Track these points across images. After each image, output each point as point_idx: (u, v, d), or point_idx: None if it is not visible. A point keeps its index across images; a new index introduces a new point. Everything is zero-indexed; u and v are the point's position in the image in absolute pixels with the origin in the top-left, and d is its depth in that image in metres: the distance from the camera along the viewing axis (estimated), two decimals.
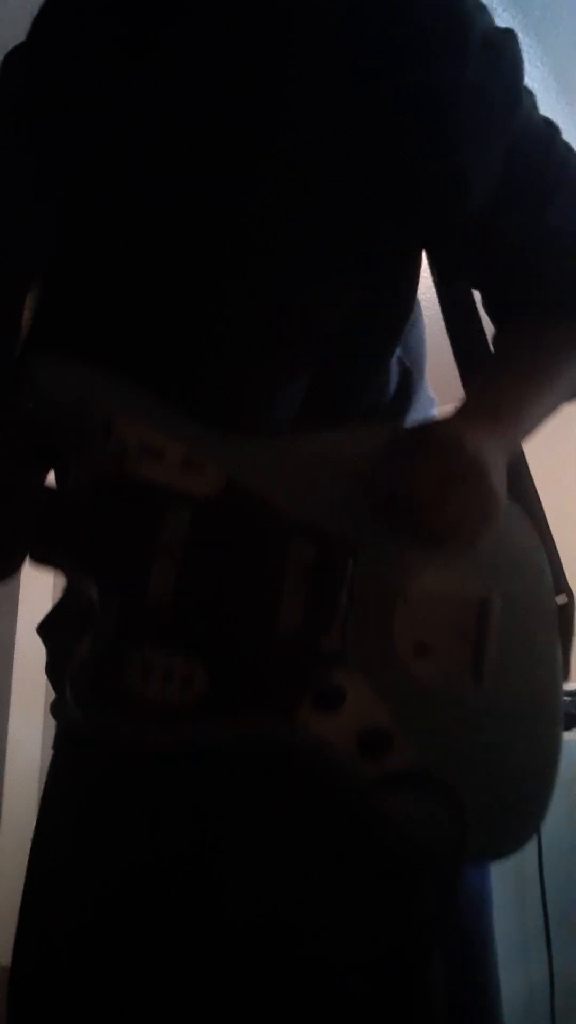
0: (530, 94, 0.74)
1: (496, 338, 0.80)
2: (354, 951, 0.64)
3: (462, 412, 0.71)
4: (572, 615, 0.74)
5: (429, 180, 0.72)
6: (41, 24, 0.80)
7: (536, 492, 0.79)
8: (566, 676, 0.72)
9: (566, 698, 2.21)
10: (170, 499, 0.63)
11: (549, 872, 1.84)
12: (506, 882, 2.10)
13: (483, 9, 0.71)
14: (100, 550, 0.63)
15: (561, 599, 0.74)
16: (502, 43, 0.72)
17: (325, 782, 0.63)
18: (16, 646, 3.28)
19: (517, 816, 0.67)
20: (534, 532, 0.73)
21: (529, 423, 0.72)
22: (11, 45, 0.82)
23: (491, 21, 0.72)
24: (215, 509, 0.64)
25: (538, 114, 0.75)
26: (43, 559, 0.65)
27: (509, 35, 0.73)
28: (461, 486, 0.63)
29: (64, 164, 0.78)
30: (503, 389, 0.71)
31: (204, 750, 0.65)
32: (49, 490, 0.66)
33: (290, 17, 0.75)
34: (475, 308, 0.84)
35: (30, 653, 3.25)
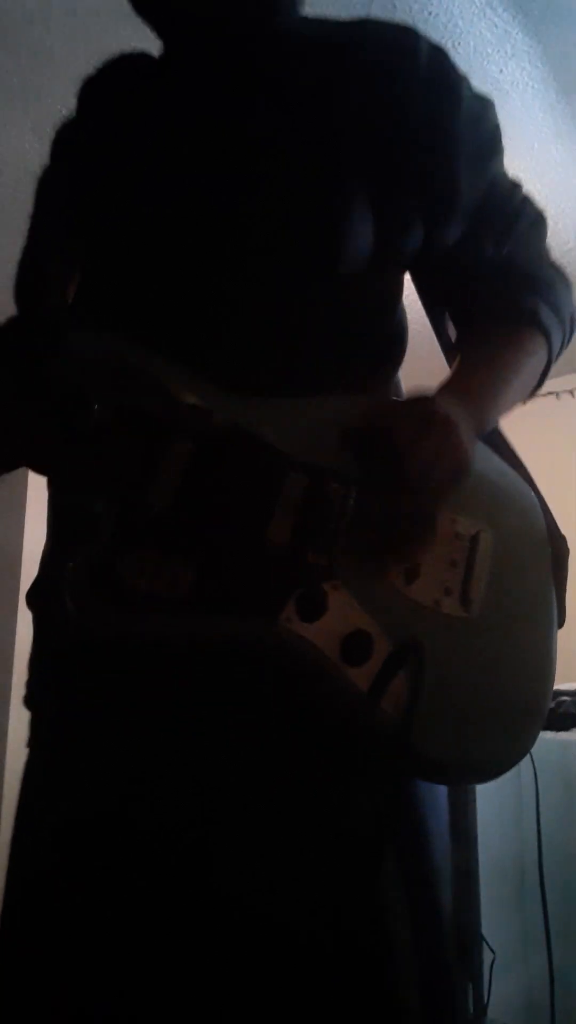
0: (502, 154, 0.88)
1: (459, 341, 0.90)
2: (332, 928, 0.66)
3: (437, 391, 0.80)
4: (565, 560, 0.79)
5: (429, 184, 0.80)
6: (83, 90, 0.90)
7: (516, 454, 0.86)
8: (561, 622, 0.76)
9: (565, 698, 2.20)
10: (178, 431, 0.69)
11: (549, 872, 1.85)
12: (506, 882, 2.10)
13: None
14: (107, 465, 0.68)
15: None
16: (486, 99, 0.86)
17: (316, 699, 0.66)
18: (16, 646, 3.29)
19: (498, 738, 0.71)
20: (524, 483, 0.81)
21: (492, 409, 0.81)
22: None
23: None
24: (218, 441, 0.70)
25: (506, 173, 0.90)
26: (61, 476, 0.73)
27: (490, 100, 0.87)
28: (432, 432, 0.71)
29: (89, 178, 0.84)
30: (469, 378, 0.82)
31: (200, 696, 0.69)
32: (69, 423, 0.70)
33: (287, 30, 0.78)
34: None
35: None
